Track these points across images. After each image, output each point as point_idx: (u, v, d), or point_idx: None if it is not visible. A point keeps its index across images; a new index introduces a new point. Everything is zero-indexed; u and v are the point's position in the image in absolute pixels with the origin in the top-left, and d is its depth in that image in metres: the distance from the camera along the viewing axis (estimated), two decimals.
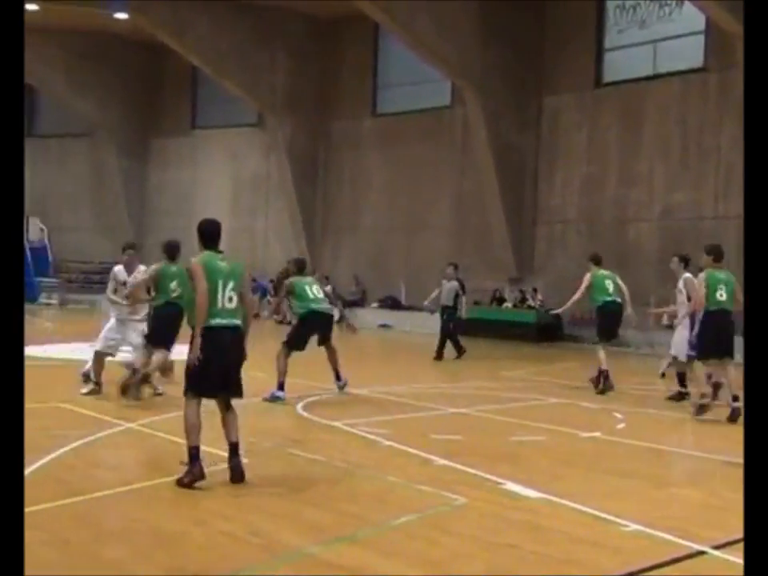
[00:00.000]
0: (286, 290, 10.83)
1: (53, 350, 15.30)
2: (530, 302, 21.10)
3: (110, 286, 10.67)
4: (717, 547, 5.01)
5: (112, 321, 10.41)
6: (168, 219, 30.78)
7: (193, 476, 6.11)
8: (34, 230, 31.92)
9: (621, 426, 9.13)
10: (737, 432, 9.32)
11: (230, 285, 6.38)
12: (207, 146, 29.78)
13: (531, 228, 22.34)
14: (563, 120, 21.85)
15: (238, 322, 6.40)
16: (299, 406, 9.77)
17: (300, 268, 11.00)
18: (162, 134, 30.85)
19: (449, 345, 15.67)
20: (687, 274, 10.90)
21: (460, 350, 15.80)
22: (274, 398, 9.98)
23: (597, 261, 12.30)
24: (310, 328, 10.62)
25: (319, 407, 9.82)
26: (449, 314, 15.82)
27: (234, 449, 6.36)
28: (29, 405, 9.53)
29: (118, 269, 10.79)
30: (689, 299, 10.38)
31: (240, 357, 6.47)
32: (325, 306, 10.75)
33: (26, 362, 10.48)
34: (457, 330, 15.96)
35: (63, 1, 25.38)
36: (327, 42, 26.55)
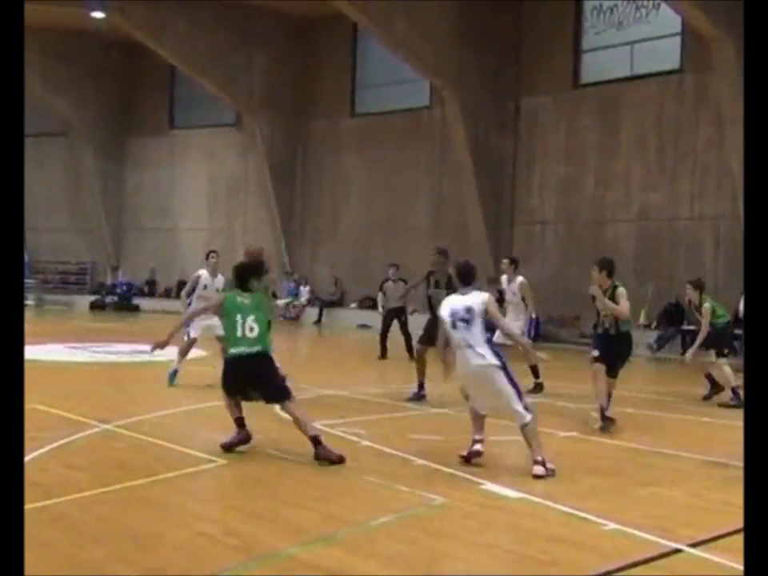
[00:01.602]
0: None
1: (29, 350, 15.15)
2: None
3: (189, 287, 11.81)
4: (694, 545, 5.04)
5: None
6: (146, 220, 30.66)
7: (238, 440, 7.24)
8: None
9: (598, 425, 9.16)
10: (719, 432, 9.40)
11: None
12: (185, 146, 29.66)
13: (509, 228, 22.42)
14: (541, 121, 21.93)
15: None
16: (277, 407, 9.71)
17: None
18: (139, 133, 30.68)
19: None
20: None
21: (384, 353, 15.86)
22: None
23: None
24: None
25: (298, 407, 9.76)
26: (398, 313, 16.00)
27: (312, 441, 7.05)
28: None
29: (204, 274, 11.75)
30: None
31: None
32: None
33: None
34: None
35: (41, 0, 25.16)
36: (305, 42, 26.51)
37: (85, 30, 27.03)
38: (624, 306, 8.93)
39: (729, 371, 10.94)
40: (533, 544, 5.05)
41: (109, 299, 30.08)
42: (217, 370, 7.90)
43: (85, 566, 4.56)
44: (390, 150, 24.67)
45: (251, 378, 7.22)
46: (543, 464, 6.59)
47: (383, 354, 15.84)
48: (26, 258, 31.49)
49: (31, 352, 14.94)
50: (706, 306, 11.19)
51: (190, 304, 11.66)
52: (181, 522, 5.37)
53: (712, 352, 11.28)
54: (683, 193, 19.54)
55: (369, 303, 24.74)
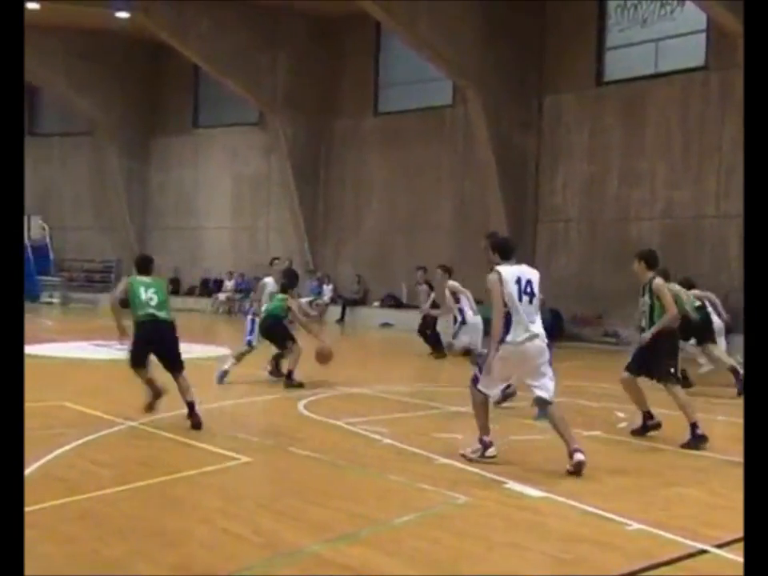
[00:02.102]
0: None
1: (55, 348, 15.31)
2: None
3: (257, 295, 12.31)
4: (720, 546, 5.00)
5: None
6: (170, 218, 30.83)
7: (153, 396, 8.60)
8: (36, 229, 31.93)
9: (622, 424, 9.12)
10: (740, 431, 9.32)
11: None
12: (208, 145, 29.77)
13: (532, 227, 22.33)
14: (564, 119, 21.83)
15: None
16: (301, 405, 9.77)
17: None
18: (163, 133, 30.83)
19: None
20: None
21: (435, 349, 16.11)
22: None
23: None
24: None
25: (321, 406, 9.82)
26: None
27: (188, 405, 8.25)
28: (31, 403, 9.54)
29: (270, 281, 12.16)
30: None
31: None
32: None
33: (28, 361, 10.49)
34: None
35: (66, 0, 25.40)
36: (328, 42, 26.53)
37: (109, 30, 27.22)
38: (667, 299, 8.30)
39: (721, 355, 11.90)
40: (556, 543, 5.04)
41: None
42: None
43: (109, 562, 4.61)
44: (413, 149, 24.65)
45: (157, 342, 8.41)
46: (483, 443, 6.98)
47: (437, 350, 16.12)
48: (52, 257, 31.84)
49: (58, 349, 15.13)
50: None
51: (252, 312, 12.08)
52: (205, 519, 5.40)
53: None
54: (708, 191, 19.38)
55: (391, 302, 24.77)
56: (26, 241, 31.16)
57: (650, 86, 20.35)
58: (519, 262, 7.08)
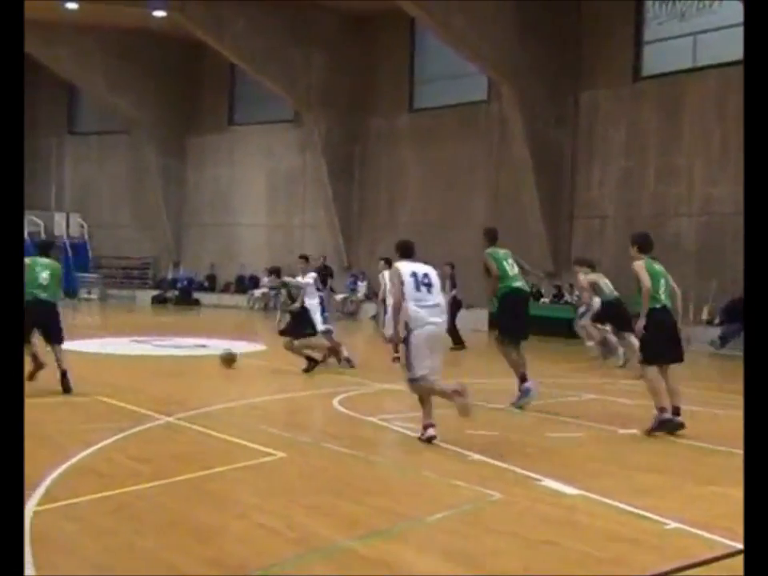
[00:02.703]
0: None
1: (93, 344, 15.49)
2: (567, 298, 20.95)
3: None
4: None
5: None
6: (206, 216, 31.06)
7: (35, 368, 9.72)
8: (75, 227, 32.38)
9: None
10: None
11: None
12: (244, 142, 29.94)
13: (568, 223, 22.17)
14: (601, 114, 21.64)
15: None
16: (335, 401, 9.79)
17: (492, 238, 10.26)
18: (199, 131, 31.06)
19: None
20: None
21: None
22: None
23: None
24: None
25: (355, 402, 9.83)
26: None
27: (60, 372, 9.62)
28: (70, 398, 9.68)
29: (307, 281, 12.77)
30: None
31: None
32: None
33: (68, 357, 10.59)
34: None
35: (104, 0, 25.67)
36: (363, 39, 26.54)
37: (146, 29, 27.47)
38: (643, 278, 8.30)
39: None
40: (592, 542, 4.99)
41: (170, 294, 30.57)
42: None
43: (145, 555, 4.65)
44: (448, 145, 24.58)
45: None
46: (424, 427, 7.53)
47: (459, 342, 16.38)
48: (90, 254, 32.25)
49: (96, 345, 15.31)
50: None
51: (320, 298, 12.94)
52: (240, 514, 5.43)
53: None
54: None
55: None
56: (65, 238, 31.62)
57: (688, 80, 20.10)
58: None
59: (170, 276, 31.52)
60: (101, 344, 15.78)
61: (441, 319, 7.73)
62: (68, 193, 33.58)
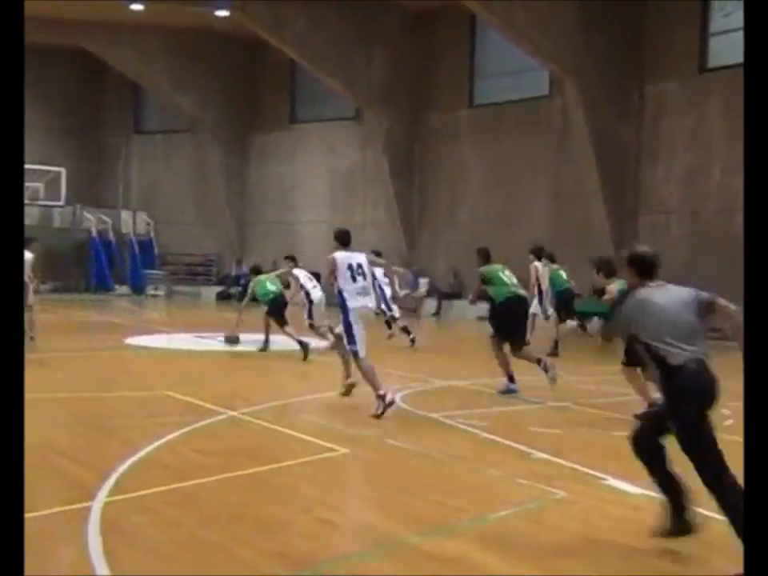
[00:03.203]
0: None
1: (159, 339, 15.77)
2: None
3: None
4: None
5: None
6: (268, 213, 31.35)
7: None
8: (141, 224, 33.01)
9: (729, 422, 8.84)
10: None
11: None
12: (305, 140, 30.14)
13: (633, 219, 21.86)
14: (666, 107, 21.28)
15: None
16: (398, 397, 9.81)
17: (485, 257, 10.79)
18: (261, 129, 31.37)
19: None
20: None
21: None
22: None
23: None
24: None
25: (418, 398, 9.84)
26: None
27: None
28: (137, 393, 9.89)
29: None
30: None
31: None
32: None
33: (135, 352, 10.83)
34: None
35: (168, 0, 26.12)
36: (423, 35, 26.52)
37: (209, 29, 27.85)
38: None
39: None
40: (657, 541, 4.92)
41: (233, 290, 30.94)
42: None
43: (210, 547, 4.73)
44: (509, 141, 24.43)
45: None
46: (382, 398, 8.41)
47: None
48: (156, 251, 32.84)
49: (162, 340, 15.58)
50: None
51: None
52: (304, 508, 5.49)
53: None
54: None
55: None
56: (132, 236, 32.25)
57: None
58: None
59: (233, 273, 31.91)
60: (166, 339, 16.05)
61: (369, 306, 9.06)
62: (134, 191, 34.23)
